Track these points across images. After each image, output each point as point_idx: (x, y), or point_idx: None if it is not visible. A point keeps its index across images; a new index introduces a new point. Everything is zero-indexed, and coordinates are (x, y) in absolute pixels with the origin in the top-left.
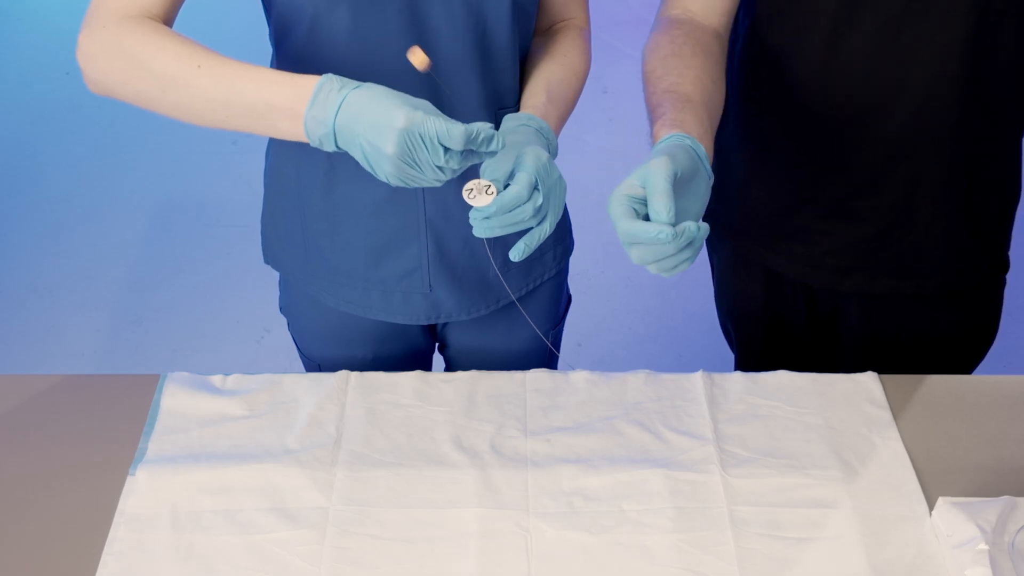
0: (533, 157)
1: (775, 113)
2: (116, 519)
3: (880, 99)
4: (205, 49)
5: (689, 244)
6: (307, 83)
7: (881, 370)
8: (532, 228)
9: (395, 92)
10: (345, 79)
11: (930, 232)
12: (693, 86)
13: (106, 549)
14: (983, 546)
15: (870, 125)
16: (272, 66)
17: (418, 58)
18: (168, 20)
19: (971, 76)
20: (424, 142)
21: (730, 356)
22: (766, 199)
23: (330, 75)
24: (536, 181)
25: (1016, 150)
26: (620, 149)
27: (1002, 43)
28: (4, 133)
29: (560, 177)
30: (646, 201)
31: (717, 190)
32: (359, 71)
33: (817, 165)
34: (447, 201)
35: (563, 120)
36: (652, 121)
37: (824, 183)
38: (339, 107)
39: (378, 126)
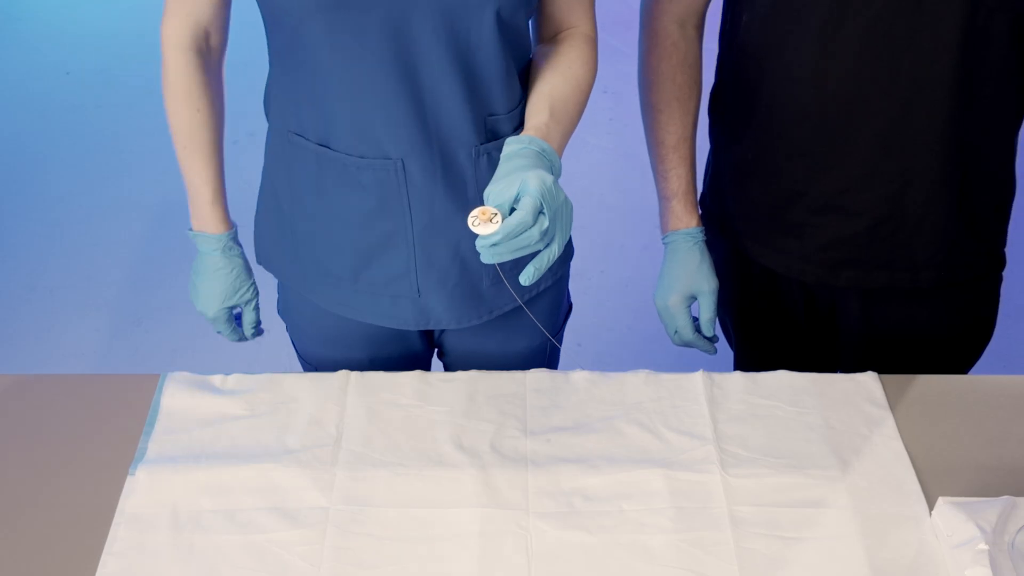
0: (537, 181)
1: (768, 108)
2: (116, 519)
3: (871, 94)
4: (199, 130)
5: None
6: (199, 212)
7: (880, 366)
8: (540, 251)
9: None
10: (204, 240)
11: (923, 226)
12: (692, 141)
13: (106, 549)
14: (983, 546)
15: (861, 120)
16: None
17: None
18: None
19: (962, 72)
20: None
21: (730, 356)
22: (759, 194)
23: (195, 235)
24: (541, 205)
25: (1010, 148)
26: (620, 149)
27: (993, 38)
28: (4, 133)
29: (566, 199)
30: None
31: (713, 187)
32: (342, 78)
33: (809, 160)
34: (434, 213)
35: (567, 136)
36: (665, 180)
37: (815, 178)
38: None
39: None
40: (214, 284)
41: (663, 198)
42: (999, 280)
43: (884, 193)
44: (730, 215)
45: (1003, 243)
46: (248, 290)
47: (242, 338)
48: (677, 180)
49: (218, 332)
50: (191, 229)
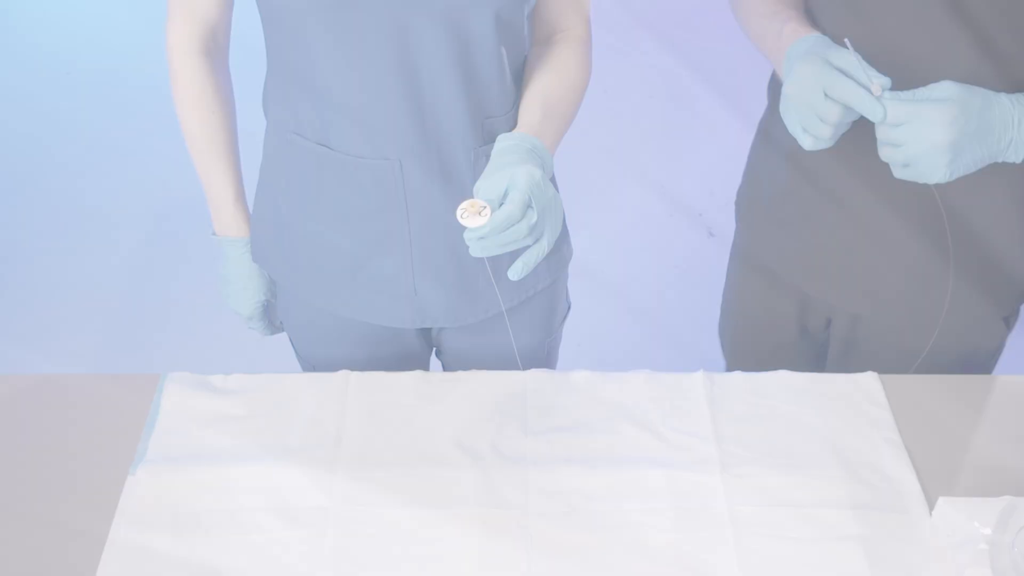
0: (526, 176)
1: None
2: (116, 519)
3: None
4: (217, 133)
5: None
6: (222, 215)
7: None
8: (530, 247)
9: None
10: (229, 245)
11: (895, 261)
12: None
13: (106, 549)
14: (983, 546)
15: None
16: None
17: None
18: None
19: None
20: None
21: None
22: (756, 188)
23: (220, 239)
24: (530, 200)
25: (996, 204)
26: (620, 149)
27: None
28: (4, 133)
29: (555, 195)
30: None
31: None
32: (341, 77)
33: (793, 162)
34: (431, 213)
35: (560, 136)
36: (778, 34)
37: (803, 181)
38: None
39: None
40: (248, 285)
41: (778, 33)
42: (1001, 333)
43: (853, 216)
44: (743, 206)
45: (1006, 310)
46: (272, 283)
47: (276, 331)
48: (787, 12)
49: (251, 329)
50: (214, 233)
